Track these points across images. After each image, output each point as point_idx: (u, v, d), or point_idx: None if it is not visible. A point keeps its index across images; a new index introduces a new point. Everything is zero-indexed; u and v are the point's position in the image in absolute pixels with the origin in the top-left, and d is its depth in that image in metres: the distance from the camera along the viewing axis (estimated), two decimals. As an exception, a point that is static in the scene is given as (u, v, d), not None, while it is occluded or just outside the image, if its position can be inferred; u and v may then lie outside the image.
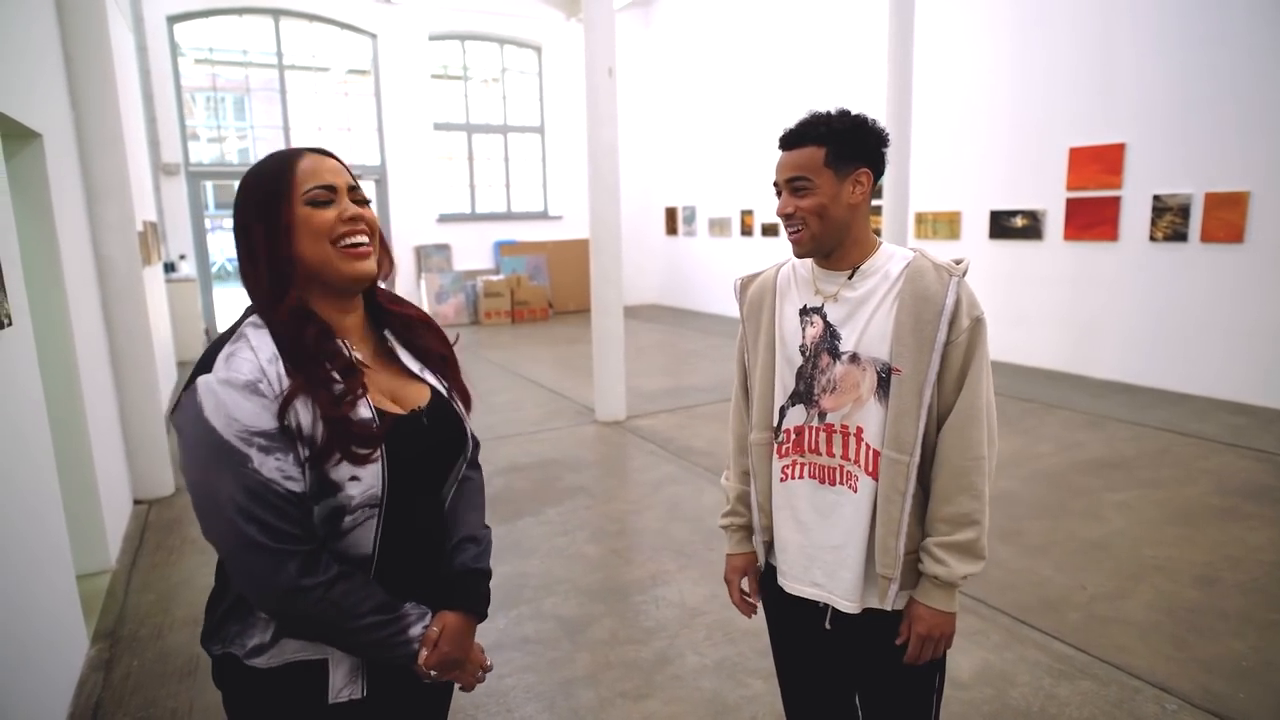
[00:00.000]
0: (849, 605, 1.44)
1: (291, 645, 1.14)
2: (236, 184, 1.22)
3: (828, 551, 1.45)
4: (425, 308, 8.17)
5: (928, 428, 1.37)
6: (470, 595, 1.28)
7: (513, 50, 12.27)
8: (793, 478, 1.50)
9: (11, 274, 2.52)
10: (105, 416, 3.98)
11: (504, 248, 12.00)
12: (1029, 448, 5.07)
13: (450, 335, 1.37)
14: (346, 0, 10.63)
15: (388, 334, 1.28)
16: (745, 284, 1.62)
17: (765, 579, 1.62)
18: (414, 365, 1.27)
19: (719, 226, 11.72)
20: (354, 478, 1.09)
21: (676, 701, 2.59)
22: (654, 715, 2.53)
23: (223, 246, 20.47)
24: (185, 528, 4.12)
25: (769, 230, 10.73)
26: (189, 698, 2.66)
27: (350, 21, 10.79)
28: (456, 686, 1.30)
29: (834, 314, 1.43)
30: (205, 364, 1.08)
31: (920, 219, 8.30)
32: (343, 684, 1.16)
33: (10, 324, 2.43)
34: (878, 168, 1.39)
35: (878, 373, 1.38)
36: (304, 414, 1.06)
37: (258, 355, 1.08)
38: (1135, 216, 6.55)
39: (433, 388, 1.27)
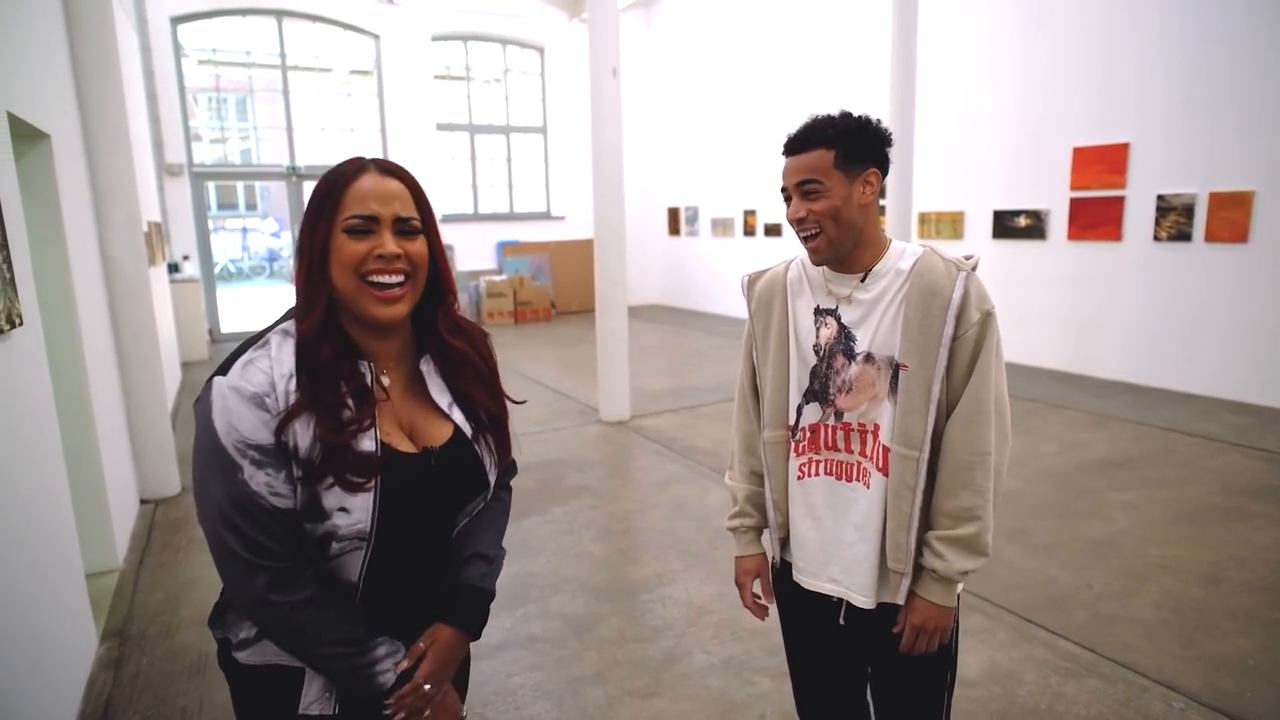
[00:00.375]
0: (865, 601, 1.44)
1: (271, 647, 1.14)
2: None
3: (844, 548, 1.46)
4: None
5: (938, 423, 1.36)
6: (468, 613, 1.24)
7: (515, 51, 12.29)
8: (809, 475, 1.50)
9: (22, 273, 2.53)
10: (112, 416, 3.99)
11: (506, 248, 12.01)
12: (1033, 447, 5.07)
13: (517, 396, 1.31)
14: (349, 1, 10.65)
15: (423, 364, 1.21)
16: (753, 280, 1.60)
17: (779, 575, 1.62)
18: (443, 400, 1.21)
19: (722, 227, 11.73)
20: (343, 509, 1.07)
21: (684, 700, 2.60)
22: (662, 713, 2.53)
23: (225, 247, 20.51)
24: (192, 527, 4.13)
25: (772, 230, 10.74)
26: (199, 696, 2.67)
27: (353, 22, 10.80)
28: None
29: (848, 316, 1.43)
30: (227, 363, 1.09)
31: (924, 219, 8.30)
32: (315, 697, 1.15)
33: (21, 323, 2.43)
34: (884, 167, 1.39)
35: (890, 370, 1.39)
36: (303, 434, 1.05)
37: (274, 368, 1.07)
38: (1139, 216, 6.55)
39: (457, 426, 1.21)
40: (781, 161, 1.42)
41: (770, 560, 1.63)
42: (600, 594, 3.34)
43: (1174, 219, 6.29)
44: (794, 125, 1.41)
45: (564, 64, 12.22)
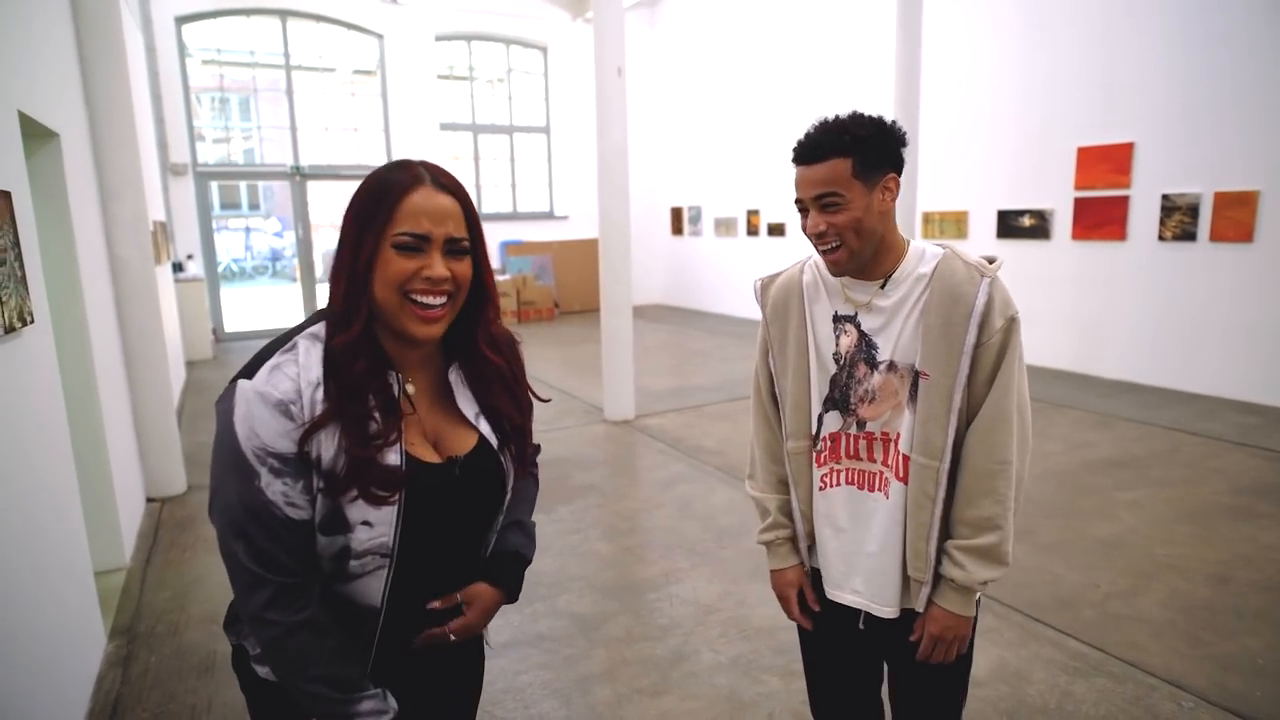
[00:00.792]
0: (888, 611, 1.42)
1: None
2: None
3: (866, 558, 1.43)
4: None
5: (958, 431, 1.33)
6: (512, 577, 1.25)
7: (518, 50, 12.30)
8: (830, 485, 1.47)
9: (32, 272, 2.54)
10: (119, 414, 4.00)
11: (510, 248, 12.01)
12: (1038, 447, 5.07)
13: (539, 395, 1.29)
14: (353, 1, 10.66)
15: (452, 373, 1.19)
16: (766, 285, 1.54)
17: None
18: (470, 410, 1.19)
19: (725, 226, 11.73)
20: (365, 522, 1.05)
21: (693, 698, 2.60)
22: (671, 712, 2.53)
23: (228, 247, 20.53)
24: (198, 526, 4.13)
25: (775, 230, 10.74)
26: (208, 694, 2.67)
27: (357, 22, 10.81)
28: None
29: (868, 323, 1.39)
30: (253, 366, 1.06)
31: (927, 219, 8.30)
32: None
33: (32, 321, 2.44)
34: (901, 169, 1.34)
35: (911, 377, 1.36)
36: (328, 445, 1.03)
37: (301, 375, 1.04)
38: (1144, 216, 6.55)
39: (482, 436, 1.19)
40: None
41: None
42: (607, 592, 3.34)
43: (1179, 219, 6.29)
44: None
45: (567, 64, 12.23)
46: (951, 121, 8.02)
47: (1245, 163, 5.86)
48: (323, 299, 1.16)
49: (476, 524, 1.22)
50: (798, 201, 1.35)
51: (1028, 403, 1.37)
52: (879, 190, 1.32)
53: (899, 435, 1.38)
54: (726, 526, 3.98)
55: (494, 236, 12.14)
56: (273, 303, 14.37)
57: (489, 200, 12.33)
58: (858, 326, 1.40)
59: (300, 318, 1.27)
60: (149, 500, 4.49)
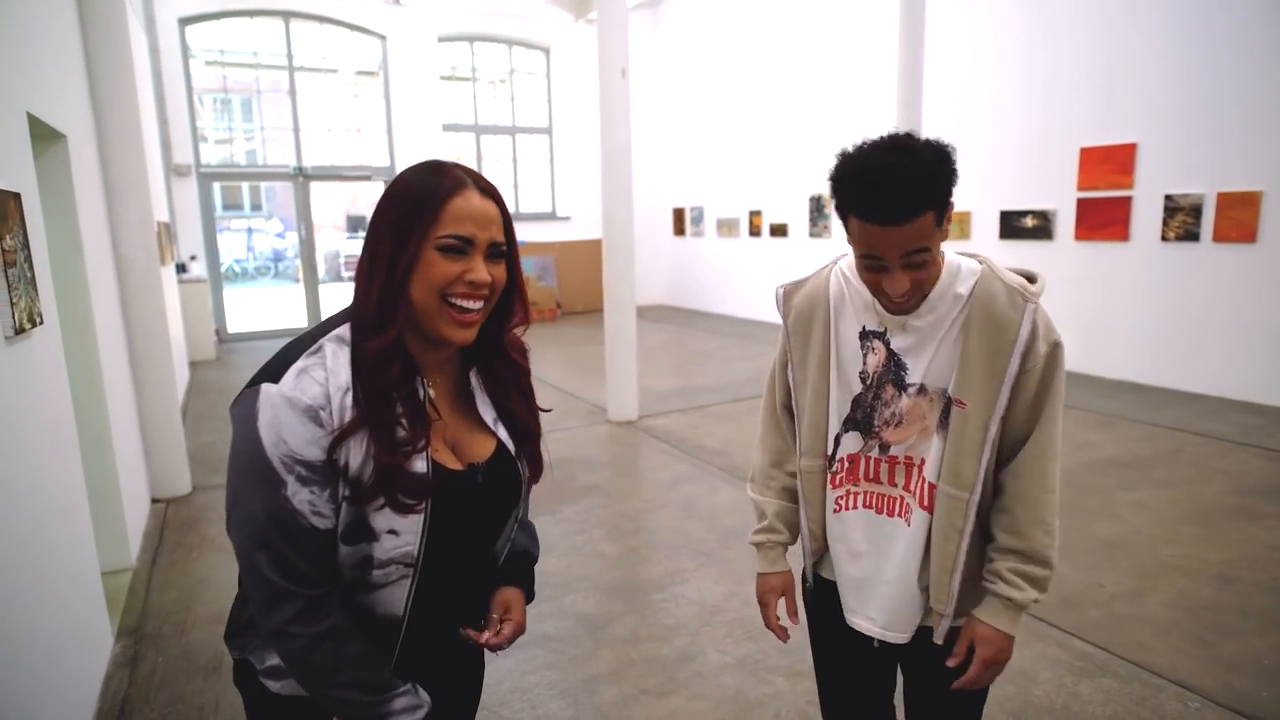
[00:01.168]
0: (902, 638, 1.39)
1: None
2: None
3: (883, 585, 1.37)
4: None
5: (989, 463, 1.26)
6: (529, 576, 1.29)
7: (521, 51, 12.31)
8: (847, 508, 1.40)
9: (41, 273, 2.55)
10: (124, 415, 4.00)
11: (512, 248, 12.01)
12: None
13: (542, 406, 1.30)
14: (356, 2, 10.68)
15: (473, 377, 1.18)
16: (790, 293, 1.45)
17: (811, 592, 1.55)
18: (489, 415, 1.19)
19: (727, 227, 11.73)
20: (391, 531, 1.04)
21: (699, 698, 2.60)
22: (678, 712, 2.54)
23: (231, 248, 20.55)
24: (204, 526, 4.14)
25: (777, 231, 10.73)
26: (215, 694, 2.68)
27: (360, 23, 10.83)
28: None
29: (899, 342, 1.31)
30: (277, 369, 1.01)
31: (930, 219, 8.28)
32: None
33: (41, 322, 2.45)
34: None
35: (942, 402, 1.29)
36: (356, 452, 1.01)
37: (329, 379, 1.01)
38: (1147, 216, 6.55)
39: (500, 442, 1.19)
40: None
41: (802, 578, 1.55)
42: (613, 593, 3.35)
43: (1182, 219, 6.29)
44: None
45: (570, 65, 12.24)
46: (954, 122, 8.01)
47: (1248, 163, 5.86)
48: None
49: (494, 530, 1.22)
50: (868, 257, 1.20)
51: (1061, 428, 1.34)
52: (945, 225, 1.21)
53: (924, 461, 1.32)
54: (731, 527, 3.98)
55: (496, 237, 12.17)
56: (275, 304, 14.40)
57: (491, 201, 12.34)
58: (886, 344, 1.32)
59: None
60: (154, 501, 4.50)
